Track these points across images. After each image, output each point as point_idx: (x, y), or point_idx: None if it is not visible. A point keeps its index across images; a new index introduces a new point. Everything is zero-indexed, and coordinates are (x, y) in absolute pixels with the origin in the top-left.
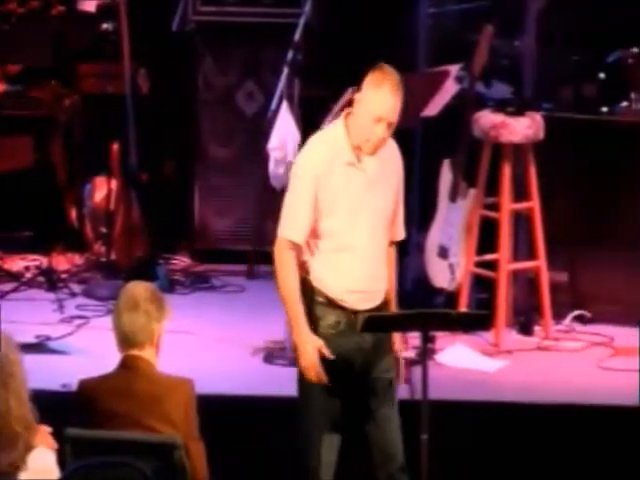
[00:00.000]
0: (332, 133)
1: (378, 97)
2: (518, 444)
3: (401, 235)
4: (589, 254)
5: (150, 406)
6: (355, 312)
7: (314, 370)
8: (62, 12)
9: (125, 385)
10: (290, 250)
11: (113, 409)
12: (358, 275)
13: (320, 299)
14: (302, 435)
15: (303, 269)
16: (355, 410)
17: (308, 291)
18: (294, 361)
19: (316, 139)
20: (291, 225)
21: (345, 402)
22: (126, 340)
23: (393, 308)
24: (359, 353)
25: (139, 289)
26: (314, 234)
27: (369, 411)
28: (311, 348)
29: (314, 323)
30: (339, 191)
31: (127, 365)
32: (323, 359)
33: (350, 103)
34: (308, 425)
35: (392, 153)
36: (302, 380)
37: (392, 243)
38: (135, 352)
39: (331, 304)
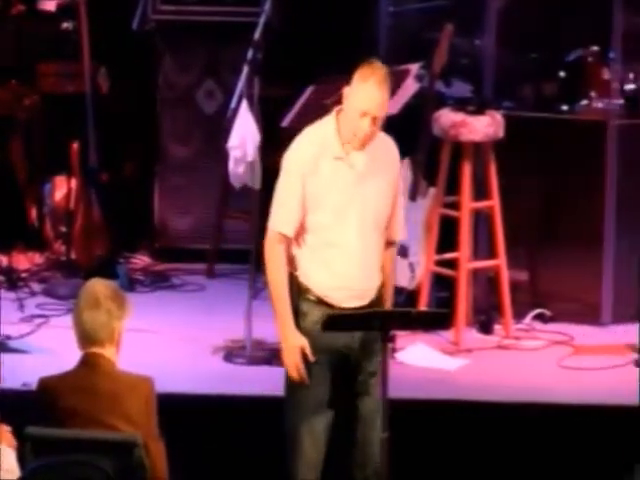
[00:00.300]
0: (322, 128)
1: (363, 91)
2: (478, 443)
3: (400, 235)
4: (549, 253)
5: (110, 404)
6: (342, 310)
7: (295, 369)
8: (22, 11)
9: (85, 383)
10: (280, 244)
11: (73, 407)
12: (345, 271)
13: (307, 296)
14: (288, 432)
15: (292, 265)
16: (340, 408)
17: (296, 287)
18: (254, 360)
19: (304, 134)
20: (281, 218)
21: (332, 399)
22: (87, 338)
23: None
24: (348, 352)
25: (100, 287)
26: (302, 229)
27: (354, 410)
28: (294, 347)
29: (300, 319)
30: (326, 186)
31: (87, 363)
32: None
33: (340, 99)
34: (294, 422)
35: (387, 150)
36: (288, 377)
37: (390, 243)
38: (95, 350)
39: (318, 301)
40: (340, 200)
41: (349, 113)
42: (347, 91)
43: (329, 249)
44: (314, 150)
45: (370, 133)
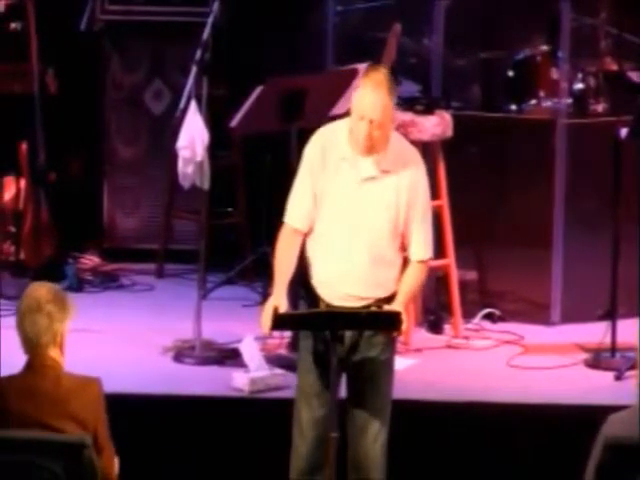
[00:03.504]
0: (338, 126)
1: (360, 95)
2: (427, 442)
3: (419, 255)
4: (498, 252)
5: (56, 407)
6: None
7: (263, 325)
8: None
9: (30, 387)
10: (289, 234)
11: (19, 411)
12: (328, 271)
13: (312, 289)
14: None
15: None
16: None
17: (307, 279)
18: (203, 360)
19: (319, 131)
20: (290, 211)
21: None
22: (30, 342)
23: None
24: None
25: (41, 290)
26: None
27: (348, 414)
28: (268, 306)
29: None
30: (329, 184)
31: (32, 366)
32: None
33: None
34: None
35: (405, 163)
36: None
37: (415, 261)
38: (40, 353)
39: (317, 295)
40: (337, 201)
41: (352, 117)
42: (353, 98)
43: (321, 246)
44: (324, 145)
45: (371, 138)
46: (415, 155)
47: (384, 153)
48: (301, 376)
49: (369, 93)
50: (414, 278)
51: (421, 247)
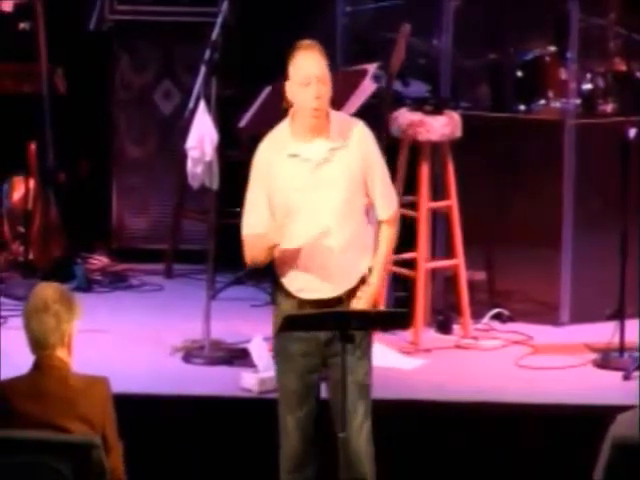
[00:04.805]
0: (277, 130)
1: (295, 64)
2: (436, 442)
3: (385, 212)
4: (507, 252)
5: (63, 407)
6: (302, 301)
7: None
8: None
9: (37, 387)
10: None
11: (26, 411)
12: (297, 264)
13: (281, 287)
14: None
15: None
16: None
17: (275, 279)
18: (212, 360)
19: (265, 137)
20: (245, 223)
21: (308, 391)
22: (37, 342)
23: (370, 285)
24: (315, 345)
25: (48, 291)
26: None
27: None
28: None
29: (277, 310)
30: (285, 183)
31: (39, 367)
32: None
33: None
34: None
35: (348, 133)
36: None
37: (382, 223)
38: (47, 353)
39: (287, 293)
40: (299, 195)
41: (294, 93)
42: (287, 85)
43: (288, 245)
44: (270, 149)
45: (320, 96)
46: (357, 124)
47: (327, 133)
48: (280, 377)
49: (304, 56)
50: (383, 245)
51: (383, 207)
